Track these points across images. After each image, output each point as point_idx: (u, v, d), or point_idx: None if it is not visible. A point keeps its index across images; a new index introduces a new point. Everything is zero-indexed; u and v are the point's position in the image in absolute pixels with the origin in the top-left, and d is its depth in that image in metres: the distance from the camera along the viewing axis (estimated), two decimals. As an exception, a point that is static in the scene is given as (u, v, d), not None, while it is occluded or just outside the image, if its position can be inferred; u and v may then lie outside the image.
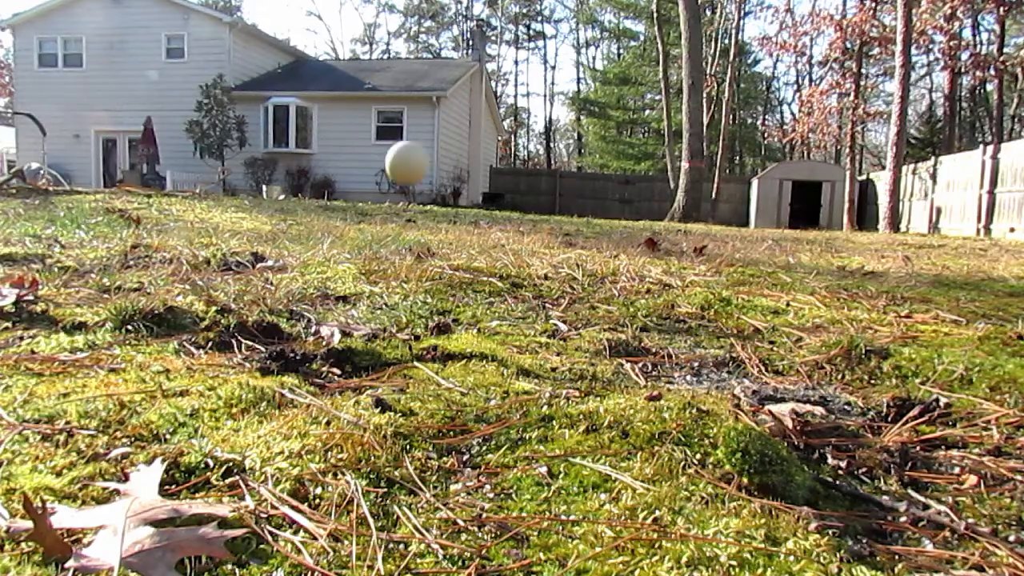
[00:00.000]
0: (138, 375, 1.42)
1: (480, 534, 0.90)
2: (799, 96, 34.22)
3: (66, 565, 0.76)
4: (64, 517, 0.83)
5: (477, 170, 24.75)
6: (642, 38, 46.48)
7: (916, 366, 1.69)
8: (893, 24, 19.99)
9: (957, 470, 1.16)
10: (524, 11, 51.81)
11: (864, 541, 0.92)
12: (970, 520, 0.99)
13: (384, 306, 2.27)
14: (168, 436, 1.14)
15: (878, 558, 0.88)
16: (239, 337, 1.74)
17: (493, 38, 48.70)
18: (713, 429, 1.23)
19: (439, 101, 21.09)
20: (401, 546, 0.86)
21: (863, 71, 25.66)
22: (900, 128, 16.82)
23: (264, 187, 19.24)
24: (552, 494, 1.01)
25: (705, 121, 22.91)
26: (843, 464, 1.16)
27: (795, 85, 42.73)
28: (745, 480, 1.05)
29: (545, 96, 60.57)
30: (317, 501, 0.96)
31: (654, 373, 1.70)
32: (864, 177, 23.54)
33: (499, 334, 2.02)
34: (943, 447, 1.26)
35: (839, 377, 1.69)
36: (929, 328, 2.12)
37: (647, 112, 46.04)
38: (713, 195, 24.73)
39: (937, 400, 1.43)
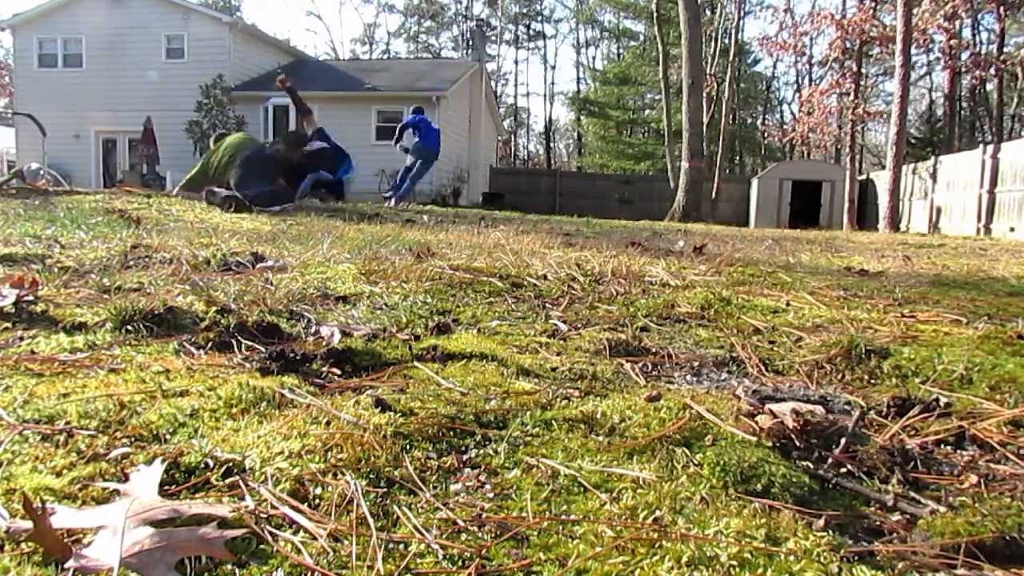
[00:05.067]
0: (138, 375, 1.42)
1: (480, 534, 0.90)
2: (799, 96, 34.19)
3: (66, 565, 0.76)
4: (64, 517, 0.83)
5: (477, 170, 24.74)
6: (642, 38, 46.44)
7: (916, 366, 1.69)
8: (893, 24, 19.97)
9: (957, 470, 1.16)
10: (524, 11, 51.81)
11: (864, 541, 0.92)
12: (970, 520, 0.98)
13: (384, 306, 2.27)
14: (168, 436, 1.14)
15: (878, 558, 0.88)
16: (239, 337, 1.74)
17: (493, 38, 48.67)
18: (713, 429, 1.23)
19: (439, 101, 21.08)
20: (401, 546, 0.86)
21: (863, 71, 25.64)
22: (900, 128, 16.81)
23: (264, 187, 19.25)
24: (552, 494, 1.01)
25: (705, 121, 22.89)
26: (843, 464, 1.16)
27: (795, 85, 42.75)
28: (745, 480, 1.04)
29: (545, 96, 60.66)
30: (317, 501, 0.96)
31: (654, 373, 1.70)
32: (864, 177, 23.52)
33: (499, 334, 2.02)
34: (943, 446, 1.26)
35: (839, 377, 1.69)
36: (929, 328, 2.12)
37: (647, 112, 46.00)
38: (713, 195, 24.72)
39: (937, 400, 1.43)
